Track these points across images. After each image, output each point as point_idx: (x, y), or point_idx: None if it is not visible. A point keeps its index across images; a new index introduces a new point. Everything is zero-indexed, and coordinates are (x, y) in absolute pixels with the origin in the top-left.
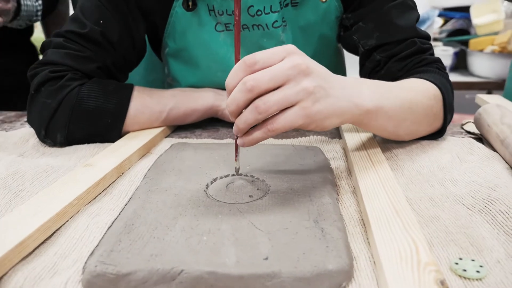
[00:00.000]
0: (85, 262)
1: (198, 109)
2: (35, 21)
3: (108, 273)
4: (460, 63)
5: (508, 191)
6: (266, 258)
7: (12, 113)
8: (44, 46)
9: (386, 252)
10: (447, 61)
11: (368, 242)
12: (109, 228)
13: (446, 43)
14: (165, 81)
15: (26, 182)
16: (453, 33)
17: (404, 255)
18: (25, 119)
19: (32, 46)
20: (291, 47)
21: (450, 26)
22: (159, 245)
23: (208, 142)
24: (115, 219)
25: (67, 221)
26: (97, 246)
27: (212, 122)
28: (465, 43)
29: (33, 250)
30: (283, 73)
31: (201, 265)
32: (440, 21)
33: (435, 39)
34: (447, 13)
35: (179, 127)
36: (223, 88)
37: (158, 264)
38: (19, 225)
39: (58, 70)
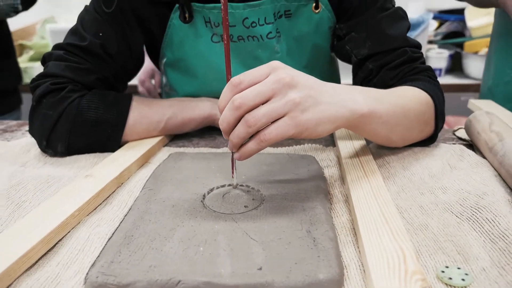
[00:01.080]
0: (87, 273)
1: (195, 118)
2: (14, 15)
3: (109, 284)
4: (455, 65)
5: (495, 199)
6: (260, 268)
7: (14, 122)
8: (45, 58)
9: (375, 261)
10: (442, 63)
11: (359, 251)
12: (109, 239)
13: (441, 46)
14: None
15: (28, 193)
16: (448, 35)
17: (392, 263)
18: (27, 128)
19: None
20: (275, 63)
21: (445, 28)
22: (158, 256)
23: (205, 151)
24: (115, 230)
25: (69, 232)
26: (98, 257)
27: (209, 131)
28: (460, 46)
29: (36, 261)
30: (268, 88)
31: (197, 275)
32: (435, 23)
33: (430, 42)
34: (442, 16)
35: (177, 136)
36: (219, 97)
37: (156, 275)
38: (23, 237)
39: (58, 82)
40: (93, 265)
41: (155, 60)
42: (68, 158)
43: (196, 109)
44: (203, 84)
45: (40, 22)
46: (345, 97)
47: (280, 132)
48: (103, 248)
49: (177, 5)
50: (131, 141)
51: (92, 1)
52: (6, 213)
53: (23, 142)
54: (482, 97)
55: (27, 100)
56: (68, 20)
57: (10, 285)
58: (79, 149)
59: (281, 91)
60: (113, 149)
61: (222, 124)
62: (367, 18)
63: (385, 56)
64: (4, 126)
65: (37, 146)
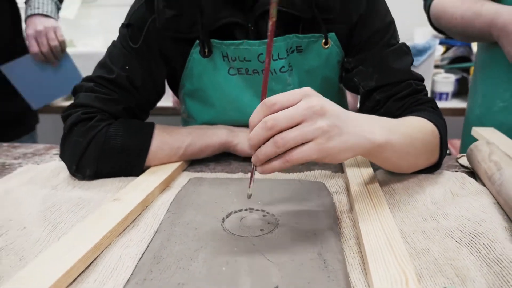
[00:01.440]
0: (125, 287)
1: (212, 145)
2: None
3: None
4: (462, 89)
5: (492, 225)
6: (277, 287)
7: (41, 146)
8: (76, 89)
9: (380, 282)
10: (449, 87)
11: (365, 273)
12: (140, 259)
13: (447, 70)
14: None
15: (62, 215)
16: (454, 60)
17: (395, 285)
18: (54, 152)
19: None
20: (307, 89)
21: (451, 53)
22: (185, 275)
23: (221, 175)
24: (144, 251)
25: (102, 252)
26: (131, 275)
27: (224, 156)
28: (467, 70)
29: (75, 279)
30: (299, 113)
31: None
32: (441, 48)
33: (437, 66)
34: (448, 41)
35: (195, 161)
36: (235, 125)
37: None
38: (62, 256)
39: (89, 112)
40: (127, 282)
41: (174, 89)
42: (95, 182)
43: (213, 137)
44: (219, 112)
45: None
46: (365, 128)
47: (304, 156)
48: (135, 267)
49: (197, 41)
50: (153, 166)
51: (119, 37)
52: (44, 233)
53: (52, 165)
54: (469, 125)
55: (43, 120)
56: (86, 44)
57: None
58: (106, 173)
59: (311, 117)
60: (137, 174)
61: (252, 140)
62: (374, 53)
63: (392, 88)
64: (32, 149)
65: (65, 169)
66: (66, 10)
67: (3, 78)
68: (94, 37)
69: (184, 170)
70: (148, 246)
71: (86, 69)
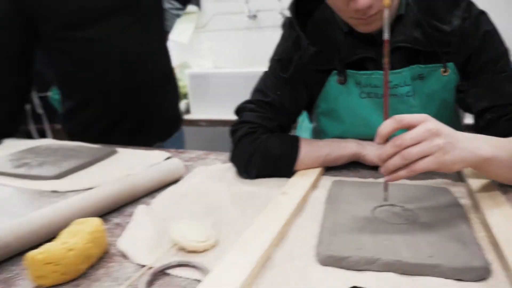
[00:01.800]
0: (317, 250)
1: (345, 155)
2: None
3: (334, 256)
4: None
5: None
6: (431, 256)
7: (201, 152)
8: (240, 109)
9: None
10: None
11: (498, 257)
12: (320, 233)
13: None
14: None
15: (245, 203)
16: None
17: None
18: (212, 157)
19: None
20: (425, 115)
21: None
22: (359, 243)
23: (355, 180)
24: (321, 228)
25: (285, 231)
26: (318, 241)
27: (353, 165)
28: None
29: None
30: (420, 135)
31: (390, 256)
32: None
33: None
34: None
35: (330, 167)
36: (361, 139)
37: (363, 253)
38: (264, 232)
39: (252, 127)
40: (318, 245)
41: (308, 109)
42: (256, 180)
43: (346, 148)
44: (349, 129)
45: (178, 67)
46: (473, 145)
47: (425, 167)
48: (319, 238)
49: (334, 71)
50: (300, 170)
51: (271, 68)
52: (237, 215)
53: (219, 167)
54: None
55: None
56: (200, 65)
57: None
58: (265, 174)
59: (429, 137)
60: (288, 176)
61: (383, 155)
62: (487, 78)
63: (503, 109)
64: (195, 155)
65: (230, 171)
66: (181, 36)
67: (162, 82)
68: (204, 59)
69: (323, 174)
70: (322, 225)
71: (198, 85)
